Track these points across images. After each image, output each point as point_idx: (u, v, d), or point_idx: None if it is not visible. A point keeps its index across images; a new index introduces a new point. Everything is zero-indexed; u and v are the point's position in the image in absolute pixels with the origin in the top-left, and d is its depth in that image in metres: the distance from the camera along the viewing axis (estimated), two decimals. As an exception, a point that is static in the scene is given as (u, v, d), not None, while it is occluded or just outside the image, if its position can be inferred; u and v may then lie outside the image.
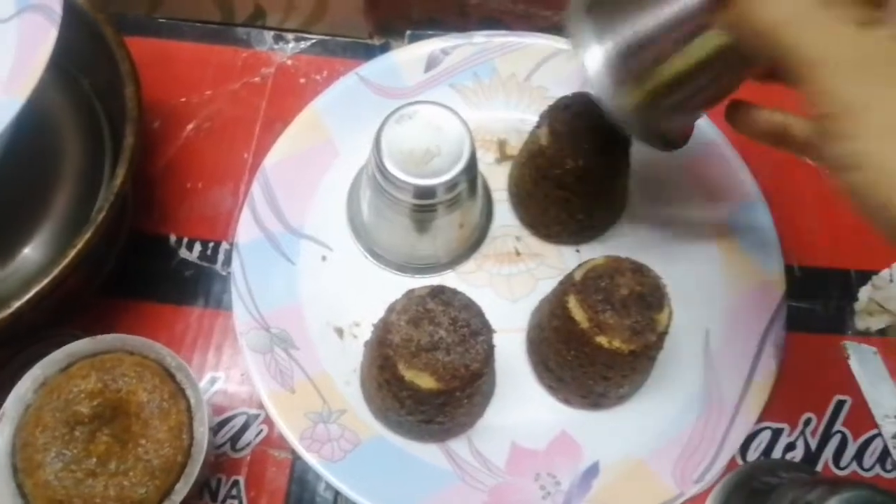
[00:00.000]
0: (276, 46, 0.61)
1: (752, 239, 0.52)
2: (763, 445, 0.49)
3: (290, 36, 0.61)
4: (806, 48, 0.29)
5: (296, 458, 0.47)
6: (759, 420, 0.48)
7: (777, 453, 0.48)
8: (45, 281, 0.40)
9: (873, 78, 0.28)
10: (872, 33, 0.29)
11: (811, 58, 0.28)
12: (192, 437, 0.40)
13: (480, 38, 0.58)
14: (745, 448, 0.48)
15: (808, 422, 0.49)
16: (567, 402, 0.48)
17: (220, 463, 0.47)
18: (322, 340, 0.50)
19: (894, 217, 0.27)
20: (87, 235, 0.41)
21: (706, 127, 0.55)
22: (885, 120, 0.27)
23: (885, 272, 0.53)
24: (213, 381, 0.50)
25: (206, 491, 0.46)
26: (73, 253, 0.41)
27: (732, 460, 0.48)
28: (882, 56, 0.28)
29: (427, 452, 0.47)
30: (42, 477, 0.38)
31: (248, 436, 0.48)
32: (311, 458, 0.45)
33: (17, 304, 0.40)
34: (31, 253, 0.47)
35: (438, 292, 0.42)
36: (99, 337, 0.41)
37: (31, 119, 0.39)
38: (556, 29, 0.59)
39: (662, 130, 0.43)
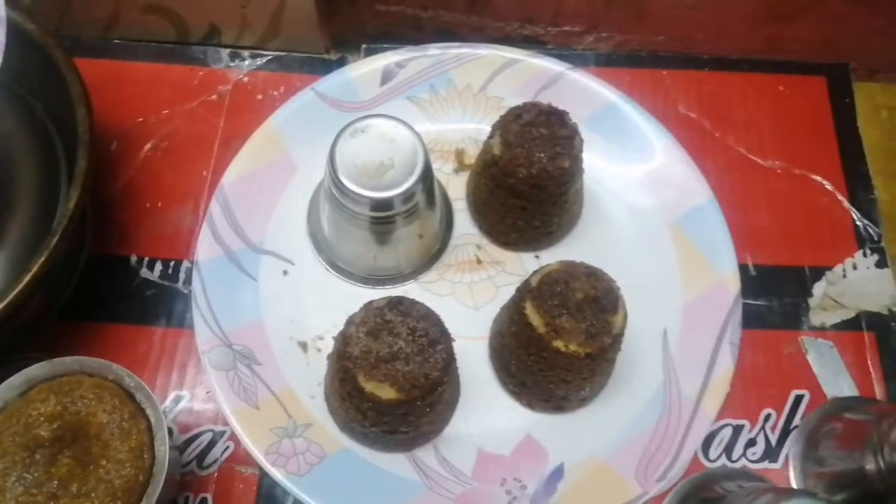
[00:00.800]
0: (232, 64, 0.61)
1: (705, 239, 0.53)
2: (725, 442, 0.49)
3: (245, 53, 0.61)
4: None
5: (263, 473, 0.48)
6: (720, 417, 0.49)
7: (738, 450, 0.49)
8: (2, 304, 0.40)
9: None
10: None
11: None
12: (153, 457, 0.40)
13: (435, 51, 0.59)
14: (706, 445, 0.49)
15: (767, 417, 0.50)
16: (530, 406, 0.49)
17: (187, 481, 0.47)
18: (285, 355, 0.50)
19: None
20: (42, 259, 0.41)
21: (658, 130, 0.56)
22: None
23: (838, 268, 0.55)
24: (178, 399, 0.50)
25: (173, 510, 0.46)
26: (28, 277, 0.41)
27: (695, 460, 0.49)
28: None
29: (393, 463, 0.47)
30: (2, 502, 0.38)
31: (215, 453, 0.48)
32: (276, 473, 0.46)
33: (-29, 331, 0.40)
34: (-12, 277, 0.47)
35: (396, 303, 0.42)
36: (57, 360, 0.41)
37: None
38: (510, 39, 0.60)
39: None
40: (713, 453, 0.49)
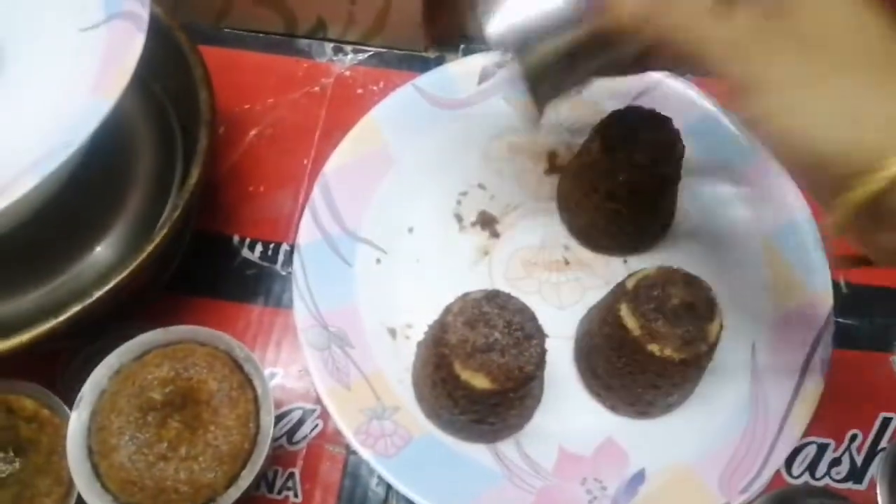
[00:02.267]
0: (335, 58, 0.63)
1: (799, 254, 0.53)
2: (808, 459, 0.49)
3: (348, 48, 0.63)
4: (694, 47, 0.33)
5: (349, 453, 0.49)
6: (805, 434, 0.49)
7: (822, 468, 0.49)
8: (124, 273, 0.42)
9: (752, 56, 0.32)
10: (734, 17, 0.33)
11: (702, 56, 0.33)
12: (258, 426, 0.41)
13: (533, 54, 0.60)
14: (790, 461, 0.49)
15: (853, 438, 0.50)
16: (614, 409, 0.50)
17: (276, 455, 0.49)
18: (376, 340, 0.51)
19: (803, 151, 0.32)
20: (164, 231, 0.43)
21: (755, 143, 0.56)
22: (777, 80, 0.32)
23: (932, 291, 0.54)
24: (272, 376, 0.51)
25: (263, 482, 0.48)
26: (150, 248, 0.43)
27: (778, 475, 0.48)
28: (748, 35, 0.32)
29: (476, 452, 0.48)
30: (116, 459, 0.40)
31: (304, 430, 0.50)
32: (365, 453, 0.47)
33: (96, 295, 0.42)
34: (103, 250, 0.49)
35: (493, 296, 0.43)
36: (172, 328, 0.43)
37: (110, 122, 0.41)
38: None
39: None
40: (796, 470, 0.49)
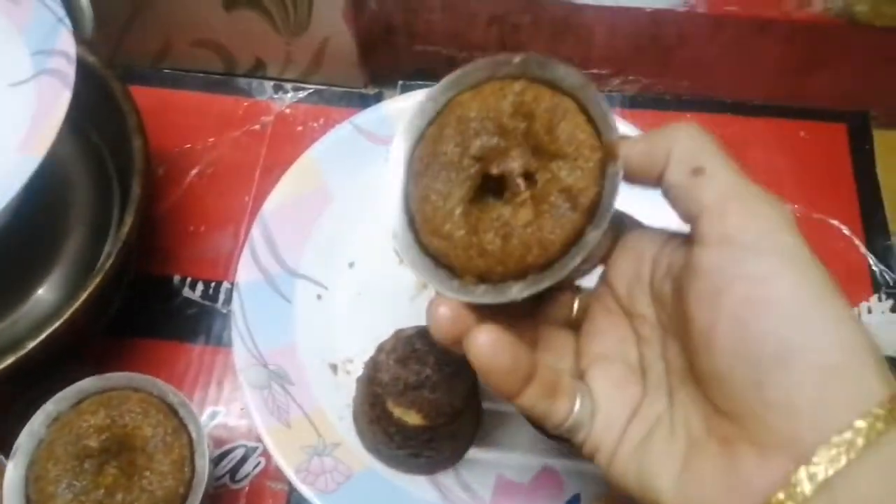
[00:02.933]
0: (275, 96, 0.64)
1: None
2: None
3: (288, 86, 0.64)
4: None
5: (291, 489, 0.50)
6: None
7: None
8: (58, 323, 0.43)
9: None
10: None
11: None
12: (193, 470, 0.42)
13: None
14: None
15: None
16: (549, 437, 0.51)
17: (219, 494, 0.50)
18: (317, 376, 0.52)
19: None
20: (98, 280, 0.44)
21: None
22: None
23: (853, 311, 0.56)
24: (213, 414, 0.52)
25: (206, 522, 0.49)
26: (84, 296, 0.44)
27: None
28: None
29: (417, 485, 0.49)
30: (53, 508, 0.41)
31: (247, 468, 0.51)
32: (306, 490, 0.48)
33: (31, 345, 0.43)
34: (43, 294, 0.50)
35: (425, 332, 0.45)
36: (107, 375, 0.44)
37: (45, 170, 0.42)
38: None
39: None
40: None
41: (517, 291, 0.30)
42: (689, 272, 0.28)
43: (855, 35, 0.58)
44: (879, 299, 0.56)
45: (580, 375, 0.34)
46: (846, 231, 0.59)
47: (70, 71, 0.42)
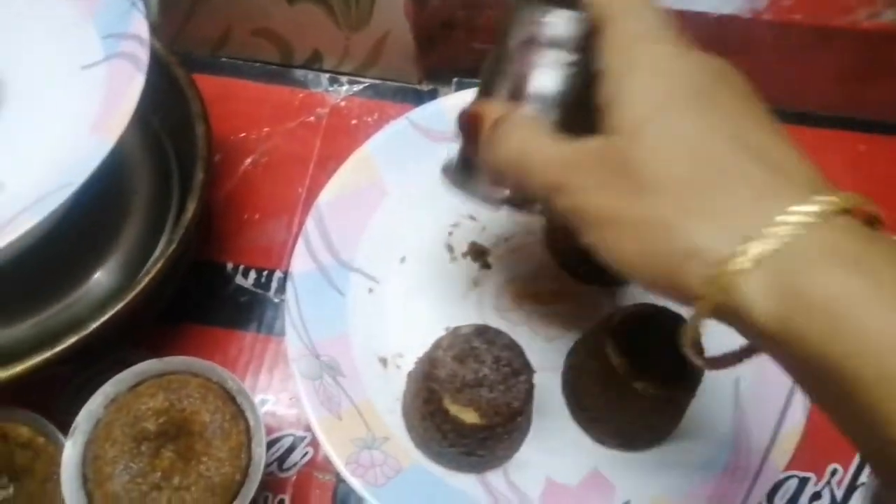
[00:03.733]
0: (330, 88, 0.64)
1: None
2: (790, 494, 0.50)
3: (344, 79, 0.65)
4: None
5: (339, 481, 0.50)
6: (787, 468, 0.50)
7: (803, 502, 0.50)
8: (120, 304, 0.43)
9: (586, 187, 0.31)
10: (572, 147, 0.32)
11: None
12: (249, 458, 0.42)
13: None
14: (771, 495, 0.50)
15: (834, 472, 0.51)
16: (601, 441, 0.50)
17: (266, 481, 0.50)
18: (367, 369, 0.52)
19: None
20: (160, 265, 0.44)
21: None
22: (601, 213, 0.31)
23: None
24: (263, 402, 0.52)
25: (252, 509, 0.49)
26: (146, 280, 0.44)
27: (760, 508, 0.50)
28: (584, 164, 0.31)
29: (465, 483, 0.49)
30: (110, 488, 0.41)
31: (295, 457, 0.51)
32: (356, 483, 0.48)
33: (93, 326, 0.43)
34: (100, 279, 0.50)
35: (483, 331, 0.45)
36: (166, 359, 0.44)
37: (109, 158, 0.42)
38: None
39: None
40: (777, 503, 0.50)
41: None
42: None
43: (923, 47, 0.57)
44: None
45: None
46: (906, 247, 0.57)
47: (143, 54, 0.43)
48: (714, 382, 0.50)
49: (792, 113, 0.63)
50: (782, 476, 0.50)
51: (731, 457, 0.50)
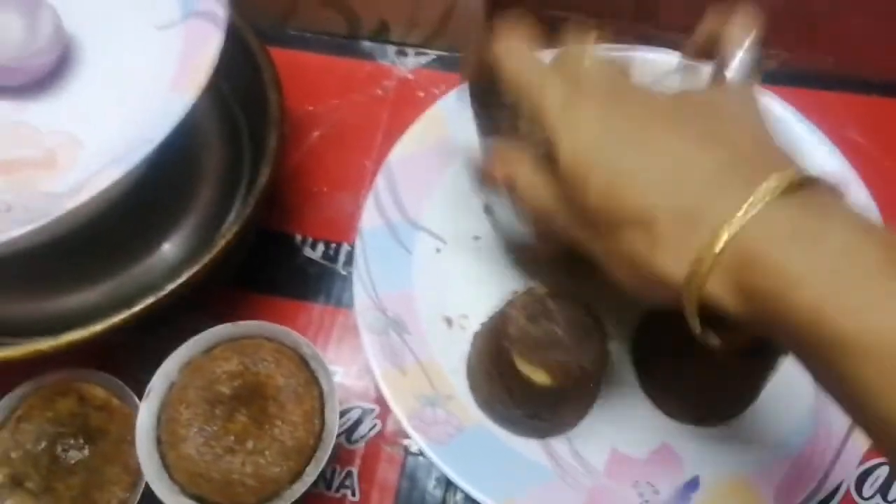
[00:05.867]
0: (397, 60, 0.64)
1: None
2: (880, 481, 0.48)
3: (411, 51, 0.64)
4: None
5: (408, 454, 0.49)
6: (876, 455, 0.48)
7: (895, 491, 0.48)
8: (196, 268, 0.43)
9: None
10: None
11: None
12: (323, 423, 0.42)
13: (601, 52, 0.59)
14: (861, 483, 0.48)
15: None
16: (671, 414, 0.49)
17: (334, 453, 0.49)
18: (432, 328, 0.52)
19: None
20: (236, 228, 0.44)
21: (827, 149, 0.55)
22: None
23: None
24: (331, 374, 0.52)
25: (321, 479, 0.48)
26: (222, 243, 0.44)
27: (848, 496, 0.47)
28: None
29: (528, 447, 0.48)
30: (184, 450, 0.41)
31: (363, 429, 0.50)
32: (419, 438, 0.47)
33: (169, 287, 0.43)
34: (172, 246, 0.50)
35: (558, 293, 0.43)
36: (240, 322, 0.44)
37: (183, 120, 0.42)
38: (675, 47, 0.59)
39: None
40: (867, 491, 0.48)
41: None
42: None
43: None
44: None
45: None
46: None
47: (221, 12, 0.42)
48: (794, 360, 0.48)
49: (881, 83, 0.60)
50: (872, 464, 0.48)
51: (809, 438, 0.48)
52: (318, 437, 0.42)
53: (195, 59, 0.41)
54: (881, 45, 0.58)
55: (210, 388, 0.42)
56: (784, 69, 0.61)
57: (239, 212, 0.45)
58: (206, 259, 0.43)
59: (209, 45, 0.42)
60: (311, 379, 0.43)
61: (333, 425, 0.42)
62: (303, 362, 0.43)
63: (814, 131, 0.55)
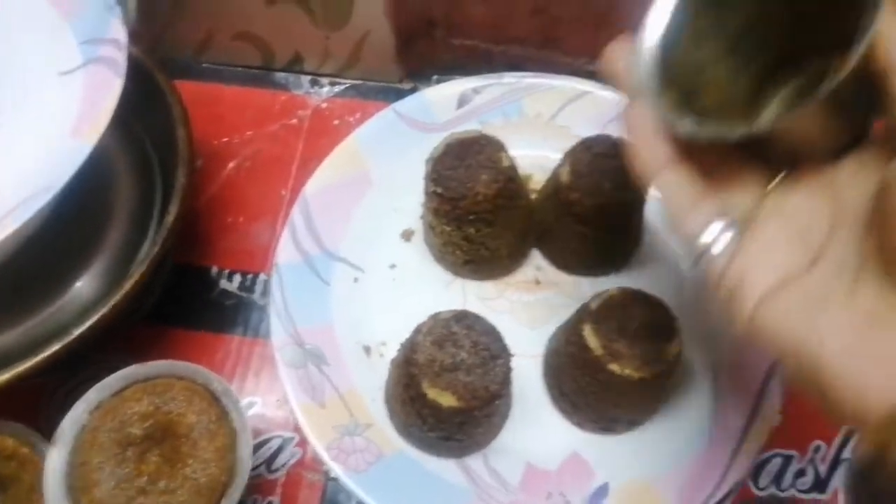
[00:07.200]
0: (312, 90, 0.65)
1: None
2: (774, 471, 0.51)
3: (325, 80, 0.65)
4: None
5: (328, 479, 0.50)
6: (770, 447, 0.51)
7: (788, 479, 0.51)
8: (104, 310, 0.43)
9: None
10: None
11: None
12: (235, 458, 0.43)
13: (510, 79, 0.61)
14: (756, 474, 0.51)
15: (817, 449, 0.51)
16: (580, 425, 0.51)
17: (255, 484, 0.50)
18: (351, 358, 0.53)
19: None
20: (143, 267, 0.45)
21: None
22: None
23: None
24: (250, 405, 0.53)
25: (242, 510, 0.49)
26: (129, 284, 0.44)
27: (745, 488, 0.50)
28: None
29: (445, 469, 0.49)
30: (96, 495, 0.41)
31: (283, 458, 0.51)
32: (337, 468, 0.48)
33: (77, 332, 0.43)
34: (84, 284, 0.50)
35: (462, 317, 0.45)
36: (150, 363, 0.44)
37: (89, 161, 0.42)
38: (579, 73, 0.62)
39: None
40: (763, 482, 0.51)
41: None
42: None
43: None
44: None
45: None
46: None
47: (121, 59, 0.43)
48: (693, 363, 0.51)
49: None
50: (766, 455, 0.51)
51: (710, 438, 0.50)
52: (232, 473, 0.42)
53: (95, 106, 0.42)
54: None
55: (121, 430, 0.42)
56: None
57: (149, 250, 0.46)
58: (112, 301, 0.43)
59: (110, 92, 0.42)
60: (222, 415, 0.43)
61: (246, 460, 0.42)
62: (214, 399, 0.44)
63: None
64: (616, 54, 0.34)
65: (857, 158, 0.30)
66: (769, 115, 0.32)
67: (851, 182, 0.30)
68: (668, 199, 0.32)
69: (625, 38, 0.34)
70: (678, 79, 0.32)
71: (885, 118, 0.28)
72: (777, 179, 0.31)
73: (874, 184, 0.28)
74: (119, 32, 0.44)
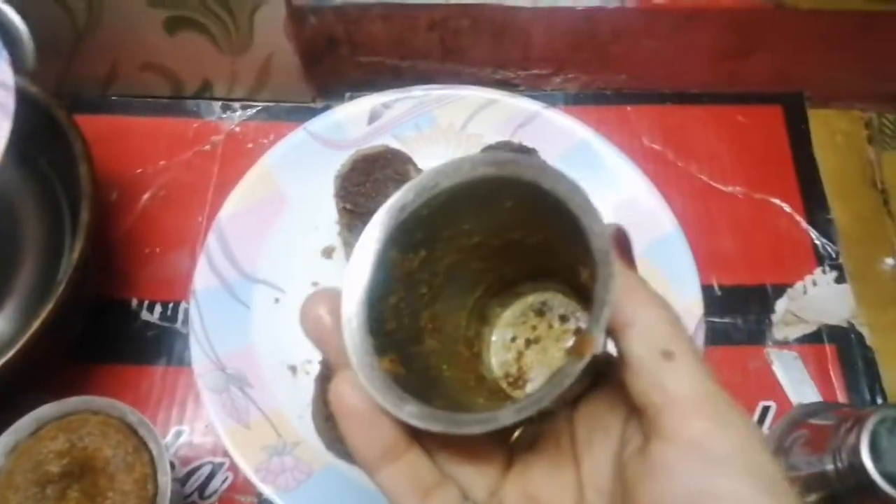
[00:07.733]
0: (223, 115, 0.65)
1: (671, 267, 0.55)
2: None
3: (236, 105, 0.65)
4: None
5: (261, 501, 0.50)
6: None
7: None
8: (13, 351, 0.43)
9: None
10: None
11: None
12: (156, 487, 0.43)
13: (419, 92, 0.62)
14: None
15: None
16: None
17: (188, 512, 0.50)
18: (276, 378, 0.53)
19: None
20: (50, 306, 0.44)
21: (625, 164, 0.59)
22: None
23: (798, 285, 0.58)
24: (178, 434, 0.53)
25: (176, 539, 0.49)
26: (37, 323, 0.44)
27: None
28: None
29: (374, 481, 0.50)
30: (17, 536, 0.41)
31: (215, 483, 0.51)
32: (266, 489, 0.48)
33: (-14, 375, 0.43)
34: (-1, 324, 0.50)
35: None
36: (64, 400, 0.44)
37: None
38: (483, 84, 0.63)
39: None
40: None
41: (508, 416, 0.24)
42: (649, 466, 0.24)
43: (783, 18, 0.60)
44: (823, 272, 0.58)
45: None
46: (787, 208, 0.60)
47: (9, 101, 0.43)
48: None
49: (671, 93, 0.65)
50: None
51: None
52: (153, 503, 0.42)
53: (-16, 149, 0.42)
54: (665, 59, 0.63)
55: (38, 470, 0.42)
56: (583, 91, 0.66)
57: (55, 289, 0.46)
58: (21, 342, 0.43)
59: (-2, 135, 0.42)
60: (139, 445, 0.43)
61: (166, 488, 0.42)
62: (130, 430, 0.44)
63: (613, 149, 0.59)
64: (318, 313, 0.28)
65: (593, 407, 0.28)
66: (507, 413, 0.25)
67: (590, 449, 0.28)
68: (395, 499, 0.27)
69: (327, 294, 0.27)
70: (395, 335, 0.28)
71: (617, 368, 0.26)
72: (516, 434, 0.29)
73: (612, 451, 0.27)
74: (5, 75, 0.44)
